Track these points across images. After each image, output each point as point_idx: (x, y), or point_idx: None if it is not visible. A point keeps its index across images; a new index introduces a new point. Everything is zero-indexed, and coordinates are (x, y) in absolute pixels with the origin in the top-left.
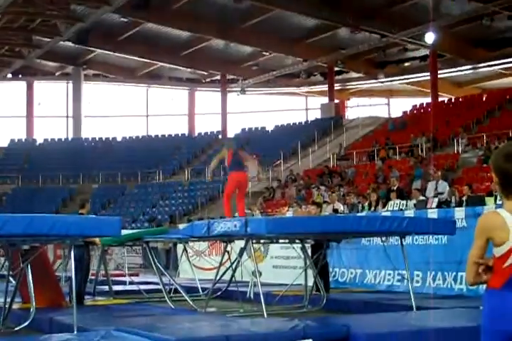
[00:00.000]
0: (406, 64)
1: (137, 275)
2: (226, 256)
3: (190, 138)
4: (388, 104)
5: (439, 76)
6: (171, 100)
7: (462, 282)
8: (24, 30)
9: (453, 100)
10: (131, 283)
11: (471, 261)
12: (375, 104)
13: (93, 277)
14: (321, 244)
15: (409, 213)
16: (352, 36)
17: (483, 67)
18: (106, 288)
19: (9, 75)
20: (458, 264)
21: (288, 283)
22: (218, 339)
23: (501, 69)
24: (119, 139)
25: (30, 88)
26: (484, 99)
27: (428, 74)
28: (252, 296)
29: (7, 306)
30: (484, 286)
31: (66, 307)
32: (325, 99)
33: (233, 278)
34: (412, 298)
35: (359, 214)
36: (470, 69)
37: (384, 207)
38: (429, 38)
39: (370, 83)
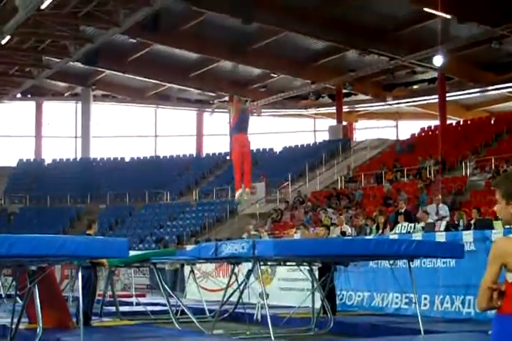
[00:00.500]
0: (414, 86)
1: (144, 296)
2: (233, 278)
3: (199, 158)
4: (396, 127)
5: (447, 99)
6: (179, 121)
7: (470, 305)
8: (34, 50)
9: (461, 123)
10: (138, 304)
11: (485, 286)
12: (383, 127)
13: (100, 298)
14: (328, 267)
15: (418, 236)
16: (360, 58)
17: (492, 90)
18: (113, 308)
19: (18, 95)
20: (466, 288)
21: (295, 306)
22: None
23: (509, 92)
24: (127, 159)
25: (39, 108)
26: (492, 122)
27: (436, 96)
28: (259, 318)
29: (14, 326)
30: (494, 311)
31: (73, 328)
32: (333, 121)
33: (240, 300)
34: (419, 321)
35: (367, 237)
36: (478, 92)
37: (392, 229)
38: (438, 60)
39: (379, 105)
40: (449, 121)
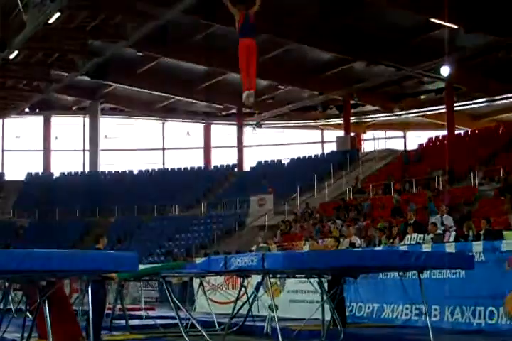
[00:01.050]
0: (422, 97)
1: (153, 309)
2: (243, 290)
3: (206, 171)
4: (404, 137)
5: (455, 109)
6: (186, 134)
7: (481, 317)
8: (42, 64)
9: (469, 133)
10: (147, 317)
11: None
12: (391, 137)
13: (110, 311)
14: (338, 278)
15: (427, 247)
16: (368, 69)
17: (499, 99)
18: (122, 322)
19: (26, 109)
20: (476, 299)
21: (305, 318)
22: None
23: None
24: (135, 172)
25: (47, 122)
26: (500, 131)
27: (444, 107)
28: (269, 331)
29: None
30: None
31: None
32: (341, 132)
33: (250, 313)
34: (430, 333)
35: (376, 249)
36: (486, 102)
37: (401, 240)
38: (445, 71)
39: (386, 116)
40: (457, 131)
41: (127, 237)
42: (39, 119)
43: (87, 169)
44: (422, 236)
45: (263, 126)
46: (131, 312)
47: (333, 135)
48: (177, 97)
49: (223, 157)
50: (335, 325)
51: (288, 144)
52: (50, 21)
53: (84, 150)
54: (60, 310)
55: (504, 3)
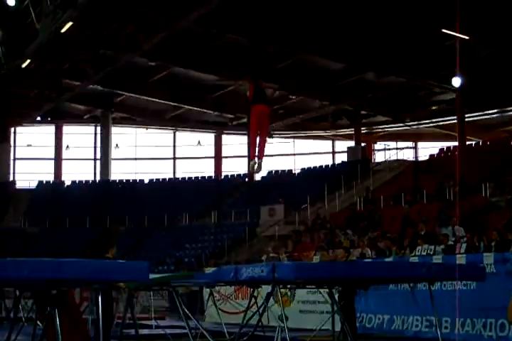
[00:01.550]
0: (433, 107)
1: (164, 318)
2: (253, 301)
3: (217, 181)
4: (415, 148)
5: (466, 119)
6: (197, 143)
7: (492, 328)
8: (54, 73)
9: (480, 144)
10: (157, 326)
11: None
12: (402, 148)
13: (119, 321)
14: (348, 289)
15: (438, 258)
16: (379, 80)
17: (511, 110)
18: (132, 331)
19: (38, 118)
20: (487, 310)
21: (315, 328)
22: None
23: None
24: (146, 182)
25: (59, 131)
26: None
27: (455, 117)
28: None
29: None
30: None
31: None
32: (352, 143)
33: (260, 323)
34: None
35: (387, 260)
36: (497, 113)
37: (412, 252)
38: (456, 81)
39: (397, 126)
40: (468, 142)
41: (137, 246)
42: (51, 128)
43: (98, 178)
44: (432, 247)
45: (274, 136)
46: (141, 322)
47: (344, 145)
48: (188, 107)
49: (234, 167)
50: (345, 336)
51: (299, 154)
52: (63, 30)
53: (95, 159)
54: (71, 318)
55: None
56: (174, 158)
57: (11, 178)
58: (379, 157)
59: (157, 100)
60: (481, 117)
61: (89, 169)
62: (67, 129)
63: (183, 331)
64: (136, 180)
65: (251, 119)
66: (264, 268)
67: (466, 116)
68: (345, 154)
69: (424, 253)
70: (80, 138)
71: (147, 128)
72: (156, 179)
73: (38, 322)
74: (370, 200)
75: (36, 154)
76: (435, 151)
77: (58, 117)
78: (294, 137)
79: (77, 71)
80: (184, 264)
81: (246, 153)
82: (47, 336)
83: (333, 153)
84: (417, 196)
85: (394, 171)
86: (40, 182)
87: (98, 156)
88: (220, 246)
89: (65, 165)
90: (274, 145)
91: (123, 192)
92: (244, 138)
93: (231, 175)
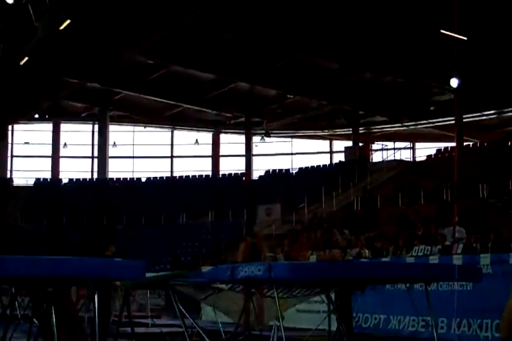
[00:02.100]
0: (431, 108)
1: (159, 317)
2: None
3: (215, 180)
4: (413, 148)
5: (464, 120)
6: (195, 142)
7: (488, 329)
8: (52, 71)
9: (478, 144)
10: (153, 325)
11: (505, 316)
12: (400, 148)
13: (116, 319)
14: (345, 289)
15: (434, 259)
16: (377, 80)
17: (509, 111)
18: (128, 329)
19: (36, 115)
20: (483, 311)
21: (311, 328)
22: None
23: None
24: (143, 180)
25: (56, 129)
26: (509, 143)
27: (453, 118)
28: None
29: None
30: None
31: None
32: (349, 143)
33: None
34: None
35: (384, 260)
36: (495, 113)
37: (408, 252)
38: (454, 82)
39: (395, 127)
40: (465, 143)
41: (134, 245)
42: (48, 126)
43: (95, 176)
44: (429, 247)
45: (272, 135)
46: (138, 320)
47: (341, 145)
48: (186, 105)
49: (231, 166)
50: (341, 336)
51: (296, 154)
52: (61, 28)
53: (92, 157)
54: (67, 316)
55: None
56: (172, 157)
57: (9, 175)
58: (376, 157)
59: (155, 98)
60: (479, 118)
61: (87, 167)
62: (64, 127)
63: (179, 329)
64: (133, 179)
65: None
66: (261, 267)
67: (464, 116)
68: (343, 154)
69: (421, 254)
70: (78, 136)
71: (145, 127)
72: (154, 177)
73: (34, 320)
74: (367, 200)
75: (34, 152)
76: (432, 152)
77: (56, 115)
78: (292, 136)
79: (76, 68)
80: (181, 263)
81: (244, 152)
82: (43, 334)
83: (331, 152)
84: (414, 196)
85: (391, 171)
86: (38, 180)
87: (96, 154)
88: (217, 245)
89: (63, 162)
90: (271, 144)
91: (120, 191)
92: (242, 138)
93: (228, 174)
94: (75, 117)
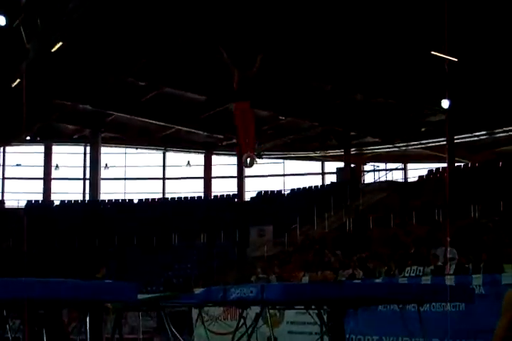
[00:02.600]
0: (422, 129)
1: (152, 339)
2: (241, 321)
3: (206, 201)
4: (404, 169)
5: (455, 141)
6: (187, 163)
7: None
8: (44, 93)
9: (469, 165)
10: None
11: (497, 333)
12: (392, 169)
13: None
14: (338, 310)
15: (426, 279)
16: (368, 101)
17: (500, 132)
18: None
19: (28, 137)
20: (475, 332)
21: None
22: None
23: None
24: (135, 202)
25: (48, 150)
26: (500, 164)
27: (444, 139)
28: None
29: None
30: None
31: None
32: (341, 164)
33: None
34: None
35: (376, 281)
36: (486, 134)
37: (401, 273)
38: (445, 103)
39: (387, 148)
40: (457, 164)
41: (126, 267)
42: (40, 147)
43: (87, 198)
44: (421, 268)
45: (264, 156)
46: None
47: (333, 166)
48: (178, 127)
49: (223, 187)
50: None
51: (288, 175)
52: (53, 50)
53: (84, 179)
54: (59, 339)
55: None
56: (164, 178)
57: (0, 198)
58: (368, 178)
59: (147, 120)
60: (470, 139)
61: (79, 189)
62: (56, 149)
63: None
64: (125, 200)
65: (235, 118)
66: (253, 288)
67: (455, 137)
68: (335, 175)
69: (414, 274)
70: (70, 157)
71: (137, 148)
72: (146, 199)
73: None
74: (359, 221)
75: (25, 174)
76: (424, 172)
77: (48, 137)
78: (284, 158)
79: (68, 90)
80: (173, 285)
81: (236, 174)
82: None
83: (323, 173)
84: (405, 217)
85: (383, 192)
86: (29, 202)
87: (87, 176)
88: (209, 266)
89: (54, 184)
90: (263, 165)
91: (112, 212)
92: (234, 159)
93: (220, 196)
94: (67, 139)
